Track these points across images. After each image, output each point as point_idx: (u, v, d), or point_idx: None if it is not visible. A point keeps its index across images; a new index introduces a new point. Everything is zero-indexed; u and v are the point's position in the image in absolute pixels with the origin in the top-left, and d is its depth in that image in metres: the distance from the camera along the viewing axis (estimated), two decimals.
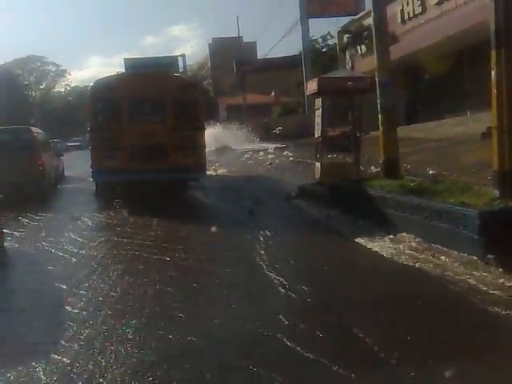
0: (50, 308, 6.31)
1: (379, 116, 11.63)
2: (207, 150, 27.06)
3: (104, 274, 7.54)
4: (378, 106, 11.62)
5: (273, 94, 50.61)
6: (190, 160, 14.43)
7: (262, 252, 8.10)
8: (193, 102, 14.86)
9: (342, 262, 7.78)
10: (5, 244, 9.72)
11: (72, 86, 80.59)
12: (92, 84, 15.98)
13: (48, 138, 20.49)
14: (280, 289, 6.32)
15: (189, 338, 5.01)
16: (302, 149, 23.91)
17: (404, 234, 8.36)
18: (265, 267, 7.28)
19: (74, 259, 8.49)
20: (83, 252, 9.05)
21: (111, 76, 16.67)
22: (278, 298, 6.09)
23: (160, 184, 14.71)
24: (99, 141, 14.52)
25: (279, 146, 28.54)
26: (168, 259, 8.11)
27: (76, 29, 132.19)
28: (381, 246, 8.08)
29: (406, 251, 7.62)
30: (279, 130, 37.07)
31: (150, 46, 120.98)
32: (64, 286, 6.96)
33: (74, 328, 5.46)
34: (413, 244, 7.89)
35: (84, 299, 6.43)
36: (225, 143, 33.83)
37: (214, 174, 20.79)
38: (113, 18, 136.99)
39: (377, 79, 11.73)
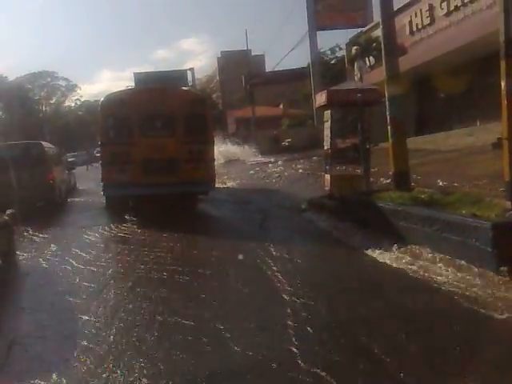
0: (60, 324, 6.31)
1: (388, 127, 11.59)
2: (216, 162, 27.21)
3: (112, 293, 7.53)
4: (388, 117, 11.60)
5: (281, 106, 50.69)
6: (200, 173, 14.53)
7: (275, 268, 8.02)
8: (202, 116, 14.96)
9: (356, 277, 7.65)
10: (16, 259, 9.76)
11: (82, 100, 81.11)
12: (103, 99, 16.17)
13: (59, 152, 20.60)
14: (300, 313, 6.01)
15: None
16: (311, 161, 23.91)
17: (415, 246, 8.29)
18: (280, 286, 7.07)
19: (82, 275, 8.46)
20: (91, 268, 8.99)
21: (122, 91, 16.91)
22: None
23: (170, 197, 14.65)
24: (110, 155, 14.66)
25: (288, 158, 28.55)
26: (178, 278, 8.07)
27: (87, 43, 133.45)
28: (392, 258, 8.03)
29: (417, 264, 7.55)
30: (288, 142, 37.12)
31: (161, 59, 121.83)
32: (74, 301, 6.96)
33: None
34: (424, 256, 7.82)
35: (94, 315, 6.41)
36: (234, 156, 33.93)
37: (223, 186, 20.82)
38: (124, 33, 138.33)
39: (386, 91, 11.71)
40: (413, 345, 4.99)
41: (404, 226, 8.88)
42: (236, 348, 5.07)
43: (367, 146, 13.35)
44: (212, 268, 8.74)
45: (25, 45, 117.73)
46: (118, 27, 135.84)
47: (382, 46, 12.18)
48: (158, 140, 14.51)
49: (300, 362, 4.68)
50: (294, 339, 5.17)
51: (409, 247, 8.34)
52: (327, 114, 13.64)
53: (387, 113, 11.60)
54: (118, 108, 14.79)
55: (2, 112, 70.33)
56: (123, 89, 17.99)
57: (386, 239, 8.99)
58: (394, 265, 7.72)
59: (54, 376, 4.72)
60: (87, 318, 6.29)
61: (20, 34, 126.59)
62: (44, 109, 78.46)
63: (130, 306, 6.68)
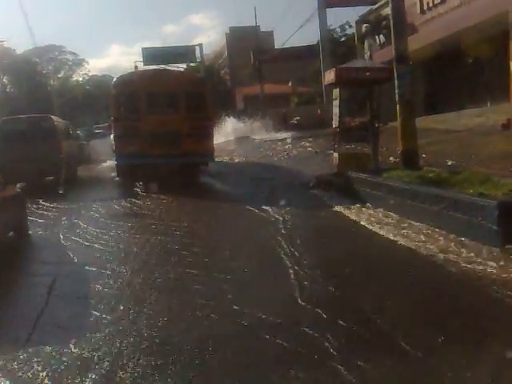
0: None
1: (397, 106, 11.61)
2: (225, 139, 28.91)
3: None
4: (397, 96, 11.61)
5: (290, 83, 50.45)
6: (200, 146, 16.15)
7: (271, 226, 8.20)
8: (202, 96, 16.70)
9: (366, 254, 7.63)
10: (28, 231, 9.93)
11: (90, 74, 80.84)
12: (115, 79, 18.35)
13: (68, 126, 20.72)
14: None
15: None
16: (319, 139, 23.92)
17: (422, 224, 8.38)
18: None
19: (94, 245, 8.65)
20: (103, 238, 9.18)
21: (132, 72, 19.91)
22: None
23: (174, 167, 16.48)
24: (121, 129, 16.37)
25: (297, 135, 28.55)
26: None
27: (96, 17, 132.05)
28: (399, 235, 8.11)
29: (423, 240, 7.63)
30: (297, 120, 37.06)
31: (170, 34, 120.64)
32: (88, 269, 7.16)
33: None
34: (431, 234, 7.91)
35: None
36: (243, 133, 33.99)
37: (231, 163, 20.95)
38: (133, 7, 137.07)
39: (395, 69, 11.71)
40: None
41: (411, 205, 8.98)
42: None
43: (376, 125, 13.39)
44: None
45: (32, 19, 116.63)
46: (127, 1, 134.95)
47: (392, 24, 12.16)
48: (163, 116, 16.09)
49: None
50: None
51: (415, 225, 8.44)
52: (336, 92, 13.65)
53: (396, 91, 11.62)
54: (128, 88, 16.59)
55: (11, 85, 70.24)
56: (133, 71, 20.97)
57: (393, 217, 9.11)
58: (400, 241, 7.79)
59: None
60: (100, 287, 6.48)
61: (28, 8, 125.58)
62: (52, 83, 78.29)
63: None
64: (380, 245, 7.95)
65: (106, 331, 5.04)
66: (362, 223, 9.34)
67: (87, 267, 7.32)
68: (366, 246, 8.10)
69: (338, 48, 38.95)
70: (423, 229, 8.24)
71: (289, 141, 26.74)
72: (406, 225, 8.64)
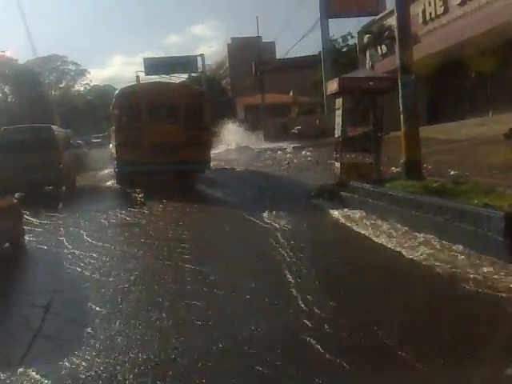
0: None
1: (401, 116, 11.51)
2: (226, 148, 29.36)
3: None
4: (400, 106, 11.51)
5: (291, 93, 50.51)
6: (197, 155, 16.98)
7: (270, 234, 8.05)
8: (200, 107, 17.63)
9: (371, 266, 7.45)
10: (24, 241, 9.78)
11: (92, 85, 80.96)
12: (117, 91, 19.40)
13: (69, 135, 20.67)
14: None
15: None
16: (320, 149, 23.85)
17: (427, 235, 8.23)
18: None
19: (91, 258, 8.49)
20: (99, 251, 9.04)
21: (134, 85, 21.33)
22: None
23: (172, 174, 17.56)
24: (123, 138, 17.06)
25: (297, 145, 28.50)
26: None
27: (99, 28, 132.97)
28: (403, 246, 7.97)
29: (428, 252, 7.49)
30: (297, 129, 37.06)
31: (172, 44, 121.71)
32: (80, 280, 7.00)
33: None
34: (435, 245, 7.76)
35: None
36: (243, 142, 33.99)
37: (232, 172, 20.88)
38: (136, 18, 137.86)
39: (399, 79, 11.62)
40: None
41: (415, 215, 8.83)
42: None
43: (379, 135, 13.29)
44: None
45: (35, 29, 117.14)
46: (130, 12, 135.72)
47: (396, 33, 12.09)
48: (163, 127, 16.95)
49: None
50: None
51: (419, 236, 8.28)
52: (338, 101, 13.58)
53: (400, 101, 11.52)
54: (130, 99, 17.48)
55: (12, 95, 70.40)
56: (134, 82, 23.05)
57: (396, 228, 8.97)
58: (404, 253, 7.64)
59: None
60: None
61: (31, 18, 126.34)
62: (53, 93, 78.42)
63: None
64: (384, 257, 7.80)
65: None
66: (365, 234, 9.19)
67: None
68: (369, 257, 7.93)
69: (340, 58, 39.03)
70: (428, 240, 8.06)
71: (289, 150, 26.69)
72: (410, 236, 8.48)
